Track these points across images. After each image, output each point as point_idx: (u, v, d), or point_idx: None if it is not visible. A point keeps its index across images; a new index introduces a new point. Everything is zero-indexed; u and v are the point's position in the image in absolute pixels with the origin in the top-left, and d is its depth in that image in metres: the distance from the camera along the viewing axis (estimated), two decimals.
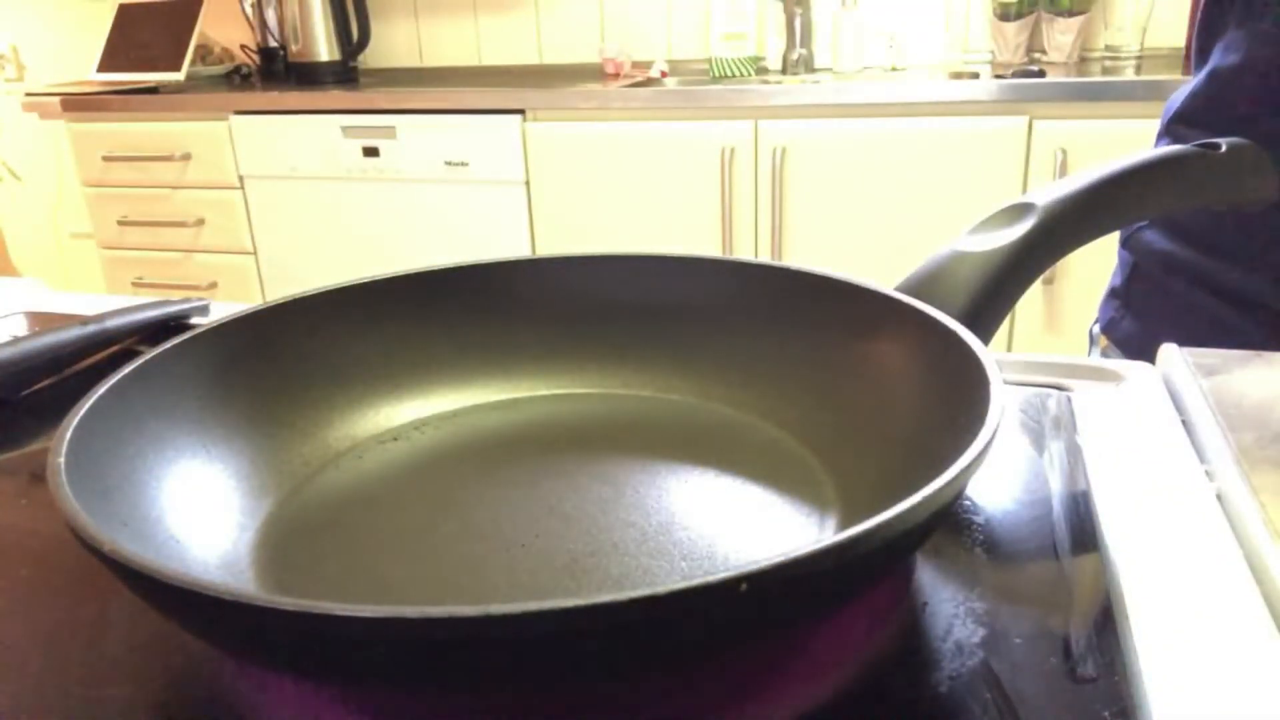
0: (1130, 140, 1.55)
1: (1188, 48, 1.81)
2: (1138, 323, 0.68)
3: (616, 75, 2.10)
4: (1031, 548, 0.34)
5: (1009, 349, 1.70)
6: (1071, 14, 1.91)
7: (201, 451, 0.36)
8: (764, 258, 1.61)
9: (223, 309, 0.56)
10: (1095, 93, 1.60)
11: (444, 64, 2.44)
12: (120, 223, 2.23)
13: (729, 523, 0.35)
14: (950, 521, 0.35)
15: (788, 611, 0.25)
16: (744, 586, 0.22)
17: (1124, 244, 0.68)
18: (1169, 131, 0.66)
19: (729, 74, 2.07)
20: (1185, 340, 0.45)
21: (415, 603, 0.32)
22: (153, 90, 2.18)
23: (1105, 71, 1.81)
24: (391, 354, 0.44)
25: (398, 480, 0.39)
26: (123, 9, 2.33)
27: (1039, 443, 0.41)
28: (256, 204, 2.13)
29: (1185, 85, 0.66)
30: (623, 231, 1.88)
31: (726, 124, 1.77)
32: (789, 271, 0.43)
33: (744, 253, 1.82)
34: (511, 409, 0.44)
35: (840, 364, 0.40)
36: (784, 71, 2.08)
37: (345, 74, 2.25)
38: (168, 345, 0.37)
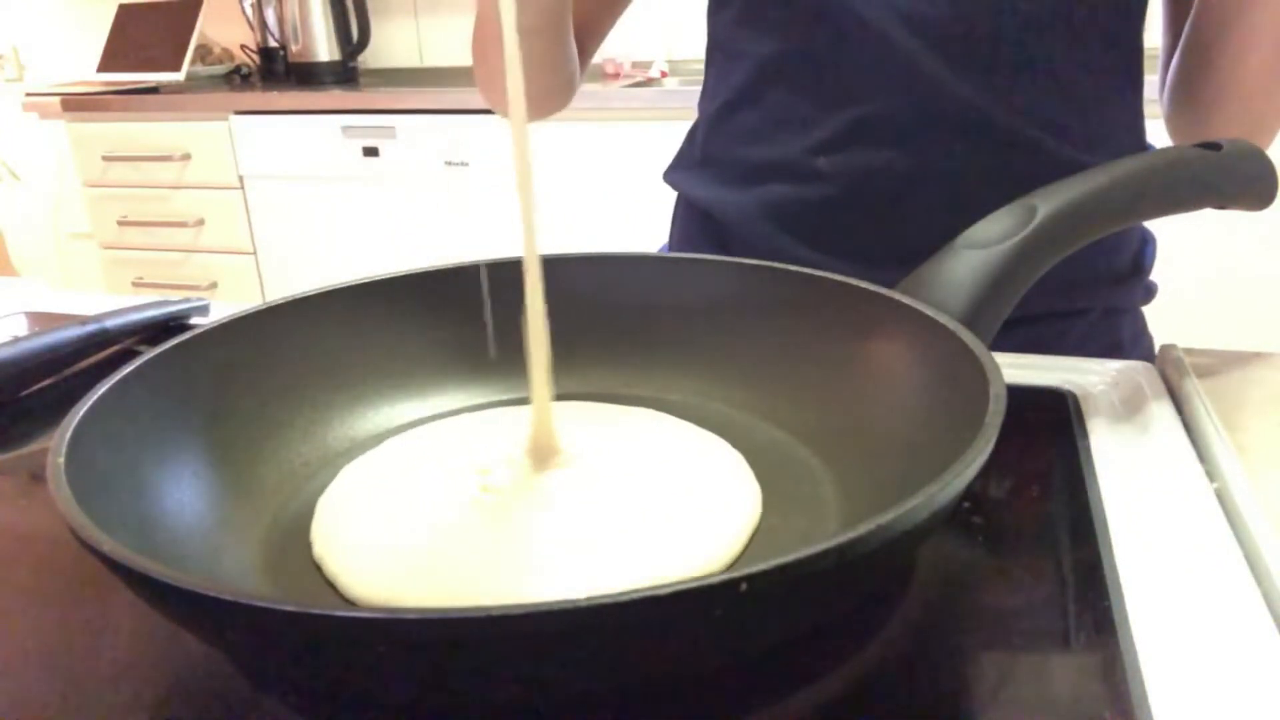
0: None
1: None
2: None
3: (616, 75, 2.10)
4: (1032, 548, 0.34)
5: None
6: None
7: (202, 452, 0.36)
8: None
9: (223, 309, 0.56)
10: None
11: (444, 64, 2.44)
12: (120, 223, 2.23)
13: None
14: (950, 522, 0.35)
15: (787, 611, 0.25)
16: (744, 586, 0.22)
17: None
18: None
19: None
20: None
21: (413, 603, 0.32)
22: (153, 90, 2.18)
23: None
24: (391, 354, 0.43)
25: None
26: (123, 9, 2.33)
27: (1039, 443, 0.41)
28: (256, 204, 2.13)
29: None
30: (622, 232, 1.88)
31: None
32: (789, 272, 0.43)
33: None
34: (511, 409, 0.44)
35: (840, 364, 0.40)
36: None
37: (345, 74, 2.25)
38: (168, 345, 0.37)
